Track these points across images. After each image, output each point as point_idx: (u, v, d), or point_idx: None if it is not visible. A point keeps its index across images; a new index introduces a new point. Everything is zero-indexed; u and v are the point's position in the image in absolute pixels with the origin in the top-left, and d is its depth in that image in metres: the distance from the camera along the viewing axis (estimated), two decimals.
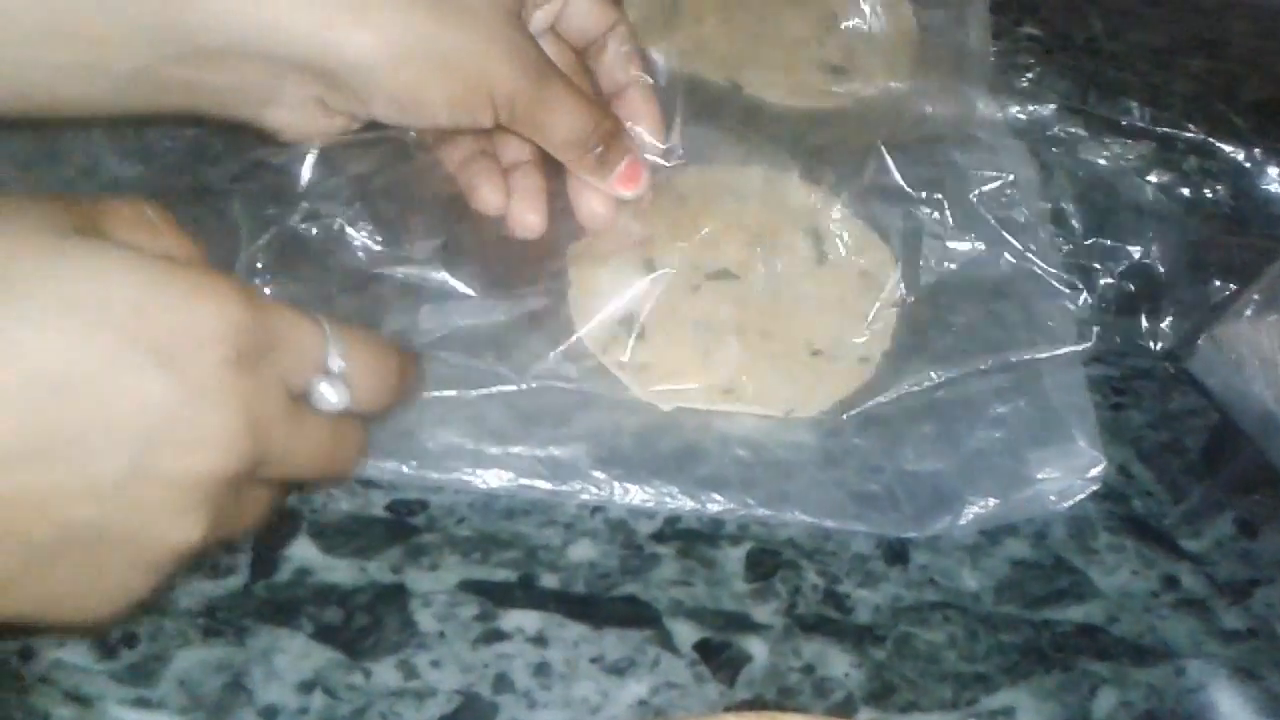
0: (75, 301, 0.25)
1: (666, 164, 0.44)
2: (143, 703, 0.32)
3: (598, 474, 0.38)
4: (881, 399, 0.41)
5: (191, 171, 0.43)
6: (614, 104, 0.44)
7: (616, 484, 0.38)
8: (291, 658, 0.33)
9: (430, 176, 0.43)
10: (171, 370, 0.26)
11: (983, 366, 0.42)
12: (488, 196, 0.42)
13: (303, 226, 0.39)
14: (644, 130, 0.44)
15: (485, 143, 0.43)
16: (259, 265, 0.39)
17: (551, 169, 0.43)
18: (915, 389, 0.41)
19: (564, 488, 0.38)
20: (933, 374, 0.41)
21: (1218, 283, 0.45)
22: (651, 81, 0.44)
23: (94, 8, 0.33)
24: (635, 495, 0.38)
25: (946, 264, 0.44)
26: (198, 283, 0.27)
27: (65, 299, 0.25)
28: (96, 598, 0.28)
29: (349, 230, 0.40)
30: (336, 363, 0.30)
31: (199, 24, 0.34)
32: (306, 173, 0.39)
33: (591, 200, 0.43)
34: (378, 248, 0.40)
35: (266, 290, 0.39)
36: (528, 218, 0.43)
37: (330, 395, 0.30)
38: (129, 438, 0.25)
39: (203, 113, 0.38)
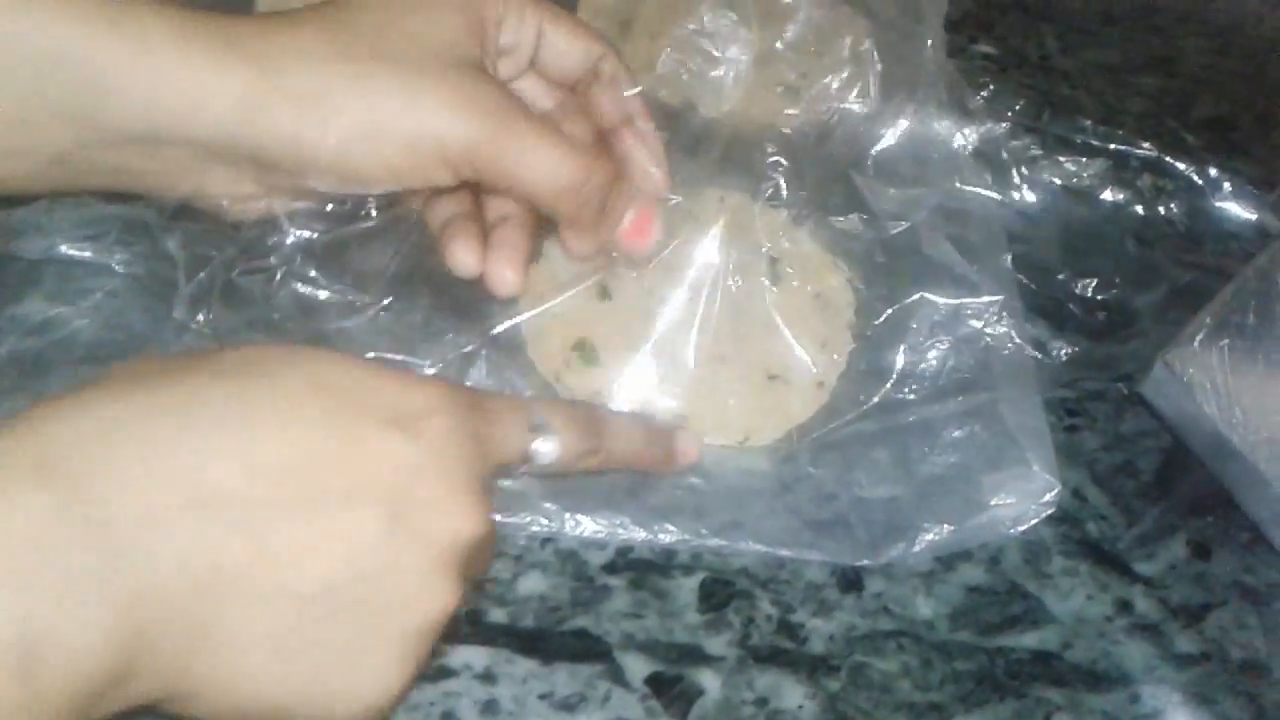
0: (313, 382, 0.28)
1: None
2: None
3: (548, 505, 0.37)
4: (836, 424, 0.41)
5: (122, 202, 0.41)
6: (612, 143, 0.40)
7: (567, 515, 0.37)
8: None
9: (381, 235, 0.41)
10: (410, 434, 0.28)
11: (939, 391, 0.42)
12: (460, 257, 0.38)
13: (242, 277, 0.38)
14: (644, 170, 0.40)
15: (469, 204, 0.40)
16: (198, 301, 0.38)
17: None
18: (870, 414, 0.41)
19: (513, 520, 0.37)
20: (888, 399, 0.41)
21: (1172, 304, 0.45)
22: (645, 113, 0.41)
23: (10, 92, 0.32)
24: (586, 526, 0.37)
25: (902, 287, 0.44)
26: (401, 371, 0.30)
27: (303, 381, 0.28)
28: (367, 674, 0.27)
29: (291, 283, 0.39)
30: (542, 419, 0.32)
31: (118, 110, 0.33)
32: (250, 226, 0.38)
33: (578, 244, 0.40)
34: (322, 295, 0.39)
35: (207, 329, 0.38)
36: (505, 274, 0.38)
37: (546, 447, 0.32)
38: (382, 494, 0.27)
39: (134, 192, 0.37)
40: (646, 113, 0.41)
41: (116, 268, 0.39)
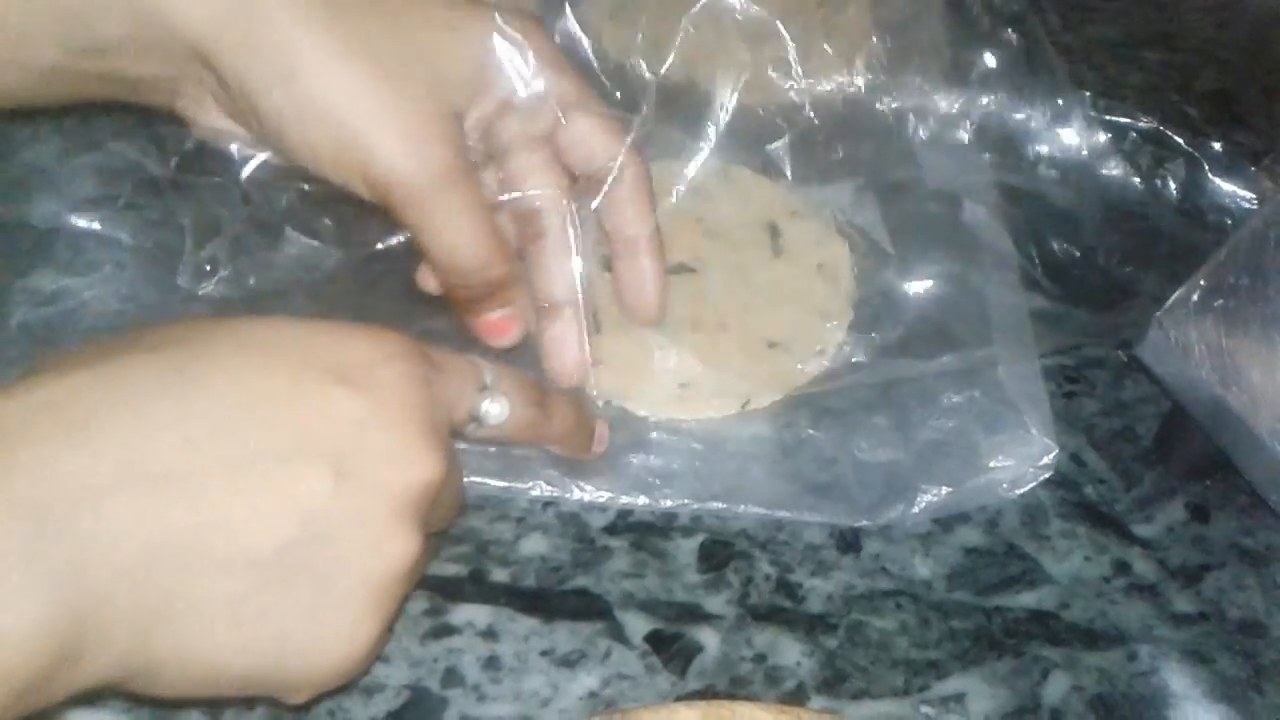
0: (249, 343, 0.27)
1: None
2: (86, 700, 0.32)
3: (550, 471, 0.38)
4: (835, 384, 0.41)
5: (138, 163, 0.42)
6: (614, 250, 0.41)
7: (569, 480, 0.38)
8: None
9: None
10: (353, 387, 0.27)
11: (938, 354, 0.42)
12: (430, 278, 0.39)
13: (245, 226, 0.39)
14: (634, 298, 0.41)
15: None
16: (207, 268, 0.39)
17: None
18: (870, 380, 0.42)
19: (516, 485, 0.38)
20: (888, 364, 0.42)
21: (1169, 276, 0.45)
22: (653, 243, 0.40)
23: (18, 6, 0.33)
24: (589, 491, 0.38)
25: (901, 257, 0.45)
26: (351, 326, 0.29)
27: (239, 343, 0.27)
28: (332, 633, 0.27)
29: (290, 232, 0.39)
30: (492, 379, 0.32)
31: (98, 12, 0.33)
32: (247, 169, 0.38)
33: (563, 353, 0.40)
34: (323, 245, 0.40)
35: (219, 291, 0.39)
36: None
37: (495, 408, 0.32)
38: (326, 448, 0.27)
39: (121, 101, 0.37)
40: (654, 243, 0.40)
41: (124, 239, 0.40)
